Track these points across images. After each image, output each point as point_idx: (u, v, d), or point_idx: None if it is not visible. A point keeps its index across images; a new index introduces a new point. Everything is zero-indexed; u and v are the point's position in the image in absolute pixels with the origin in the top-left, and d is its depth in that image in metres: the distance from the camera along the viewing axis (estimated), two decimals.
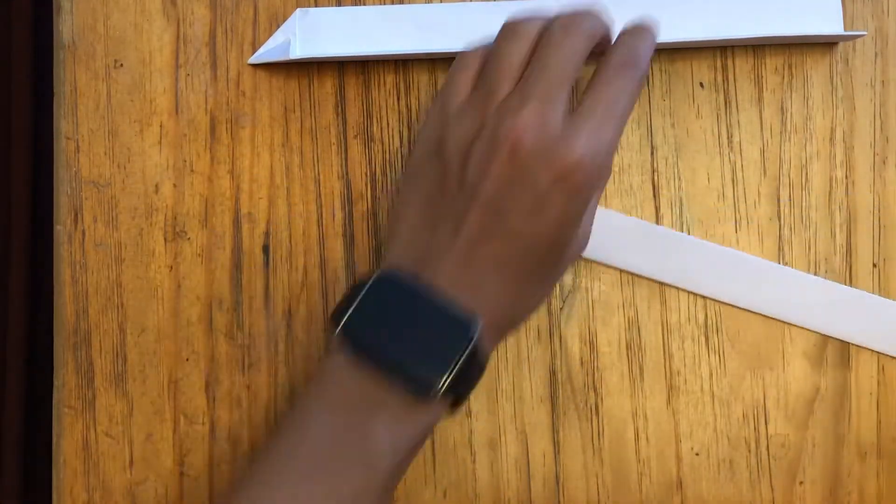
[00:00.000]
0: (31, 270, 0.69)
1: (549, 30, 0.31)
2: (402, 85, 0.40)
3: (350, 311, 0.30)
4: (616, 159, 0.40)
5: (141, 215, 0.40)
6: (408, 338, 0.30)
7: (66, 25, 0.40)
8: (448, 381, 0.29)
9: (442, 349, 0.29)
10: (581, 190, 0.29)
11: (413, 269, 0.31)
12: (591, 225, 0.33)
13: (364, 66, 0.40)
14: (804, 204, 0.40)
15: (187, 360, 0.40)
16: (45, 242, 0.41)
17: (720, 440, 0.39)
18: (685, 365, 0.40)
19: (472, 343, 0.29)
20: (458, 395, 0.30)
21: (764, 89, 0.40)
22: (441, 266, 0.30)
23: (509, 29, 0.32)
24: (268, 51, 0.40)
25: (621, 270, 0.39)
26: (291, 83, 0.40)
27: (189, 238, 0.40)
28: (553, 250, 0.31)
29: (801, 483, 0.39)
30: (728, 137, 0.40)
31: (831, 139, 0.40)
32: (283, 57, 0.39)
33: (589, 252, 0.37)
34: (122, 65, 0.40)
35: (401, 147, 0.40)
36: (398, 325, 0.30)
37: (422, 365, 0.29)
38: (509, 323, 0.33)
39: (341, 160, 0.40)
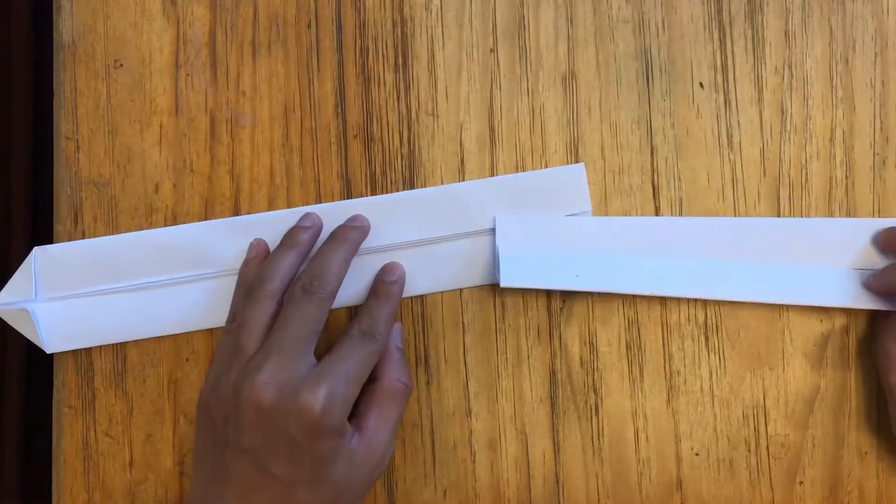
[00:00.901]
0: None
1: (291, 290, 0.35)
2: (401, 85, 0.40)
3: None
4: (616, 159, 0.40)
5: (141, 215, 0.40)
6: None
7: (66, 25, 0.40)
8: None
9: None
10: (326, 436, 0.33)
11: None
12: (380, 453, 0.35)
13: (364, 66, 0.40)
14: (804, 204, 0.40)
15: (187, 360, 0.40)
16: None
17: (720, 440, 0.39)
18: (685, 365, 0.39)
19: None
20: None
21: (764, 89, 0.40)
22: None
23: (253, 292, 0.36)
24: (11, 303, 0.38)
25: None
26: (291, 83, 0.40)
27: None
28: (321, 489, 0.33)
29: (801, 483, 0.39)
30: (728, 137, 0.40)
31: (831, 139, 0.40)
32: (35, 339, 0.38)
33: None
34: (122, 65, 0.40)
35: (401, 147, 0.40)
36: None
37: None
38: None
39: (341, 160, 0.40)
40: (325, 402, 0.32)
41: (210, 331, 0.40)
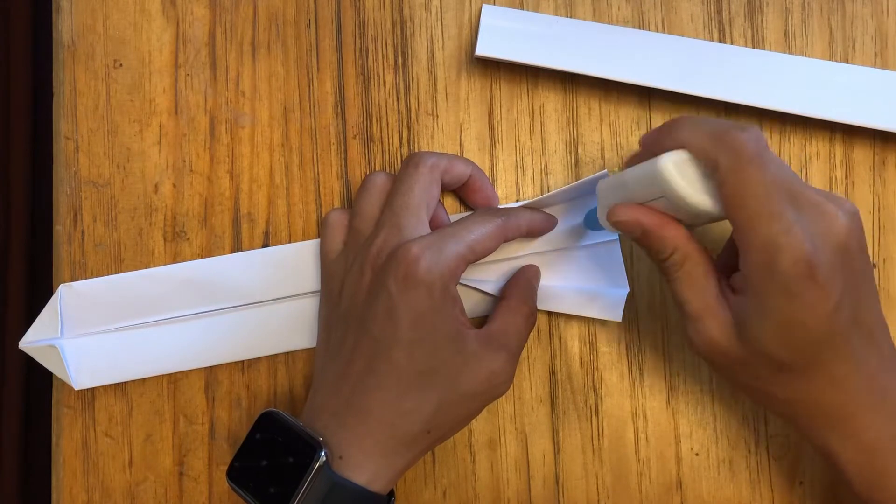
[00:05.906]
0: (31, 270, 0.69)
1: (398, 176, 0.36)
2: (401, 85, 0.40)
3: (238, 449, 0.34)
4: (616, 159, 0.40)
5: (140, 215, 0.40)
6: (267, 470, 0.32)
7: (66, 25, 0.40)
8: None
9: (289, 478, 0.31)
10: (423, 288, 0.31)
11: (311, 402, 0.35)
12: (505, 365, 0.34)
13: (364, 67, 0.40)
14: None
15: None
16: (45, 242, 0.40)
17: (720, 440, 0.39)
18: (685, 365, 0.39)
19: (312, 472, 0.30)
20: None
21: None
22: (323, 388, 0.34)
23: (364, 184, 0.37)
24: (38, 341, 0.38)
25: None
26: (291, 83, 0.40)
27: (188, 238, 0.40)
28: (417, 352, 0.32)
29: (800, 483, 0.39)
30: None
31: (831, 139, 0.40)
32: (63, 376, 0.38)
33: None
34: (121, 65, 0.40)
35: (400, 147, 0.40)
36: (265, 457, 0.33)
37: (271, 495, 0.32)
38: (402, 438, 0.33)
39: (341, 160, 0.40)
40: (422, 252, 0.31)
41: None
